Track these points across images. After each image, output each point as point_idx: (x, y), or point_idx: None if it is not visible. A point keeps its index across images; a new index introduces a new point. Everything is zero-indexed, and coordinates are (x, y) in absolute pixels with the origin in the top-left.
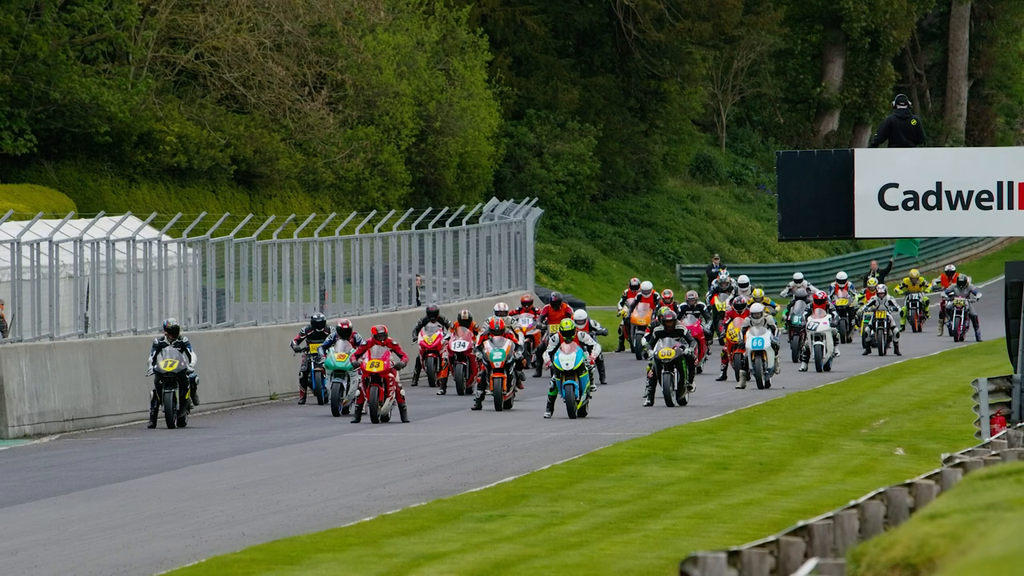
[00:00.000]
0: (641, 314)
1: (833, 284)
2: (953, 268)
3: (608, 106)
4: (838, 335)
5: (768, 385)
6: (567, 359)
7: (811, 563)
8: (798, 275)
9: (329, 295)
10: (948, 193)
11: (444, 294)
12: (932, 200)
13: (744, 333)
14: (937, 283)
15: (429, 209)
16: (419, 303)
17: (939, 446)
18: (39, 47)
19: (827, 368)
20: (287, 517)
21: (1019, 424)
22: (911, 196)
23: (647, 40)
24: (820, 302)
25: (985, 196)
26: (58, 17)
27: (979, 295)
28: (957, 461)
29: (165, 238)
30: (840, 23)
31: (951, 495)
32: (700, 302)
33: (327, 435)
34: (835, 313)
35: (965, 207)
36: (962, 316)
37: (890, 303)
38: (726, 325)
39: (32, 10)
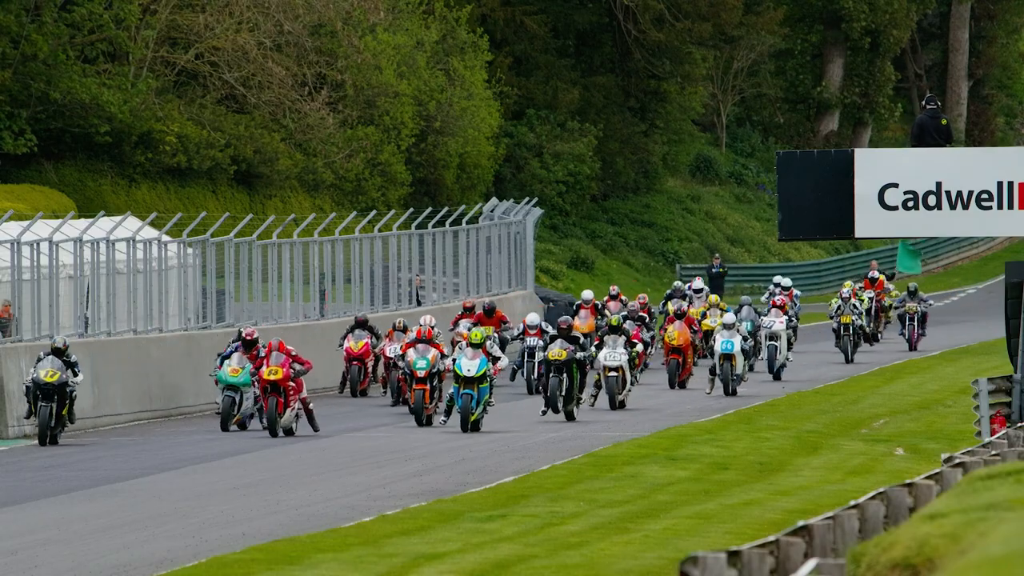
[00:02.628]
0: (583, 322)
1: (772, 288)
2: (877, 274)
3: (608, 106)
4: (793, 338)
5: (734, 392)
6: (469, 365)
7: (811, 563)
8: (786, 281)
9: (329, 295)
10: (948, 193)
11: (444, 294)
12: (932, 200)
13: (715, 336)
14: (859, 288)
15: (429, 209)
16: (419, 303)
17: (939, 446)
18: (39, 47)
19: (777, 376)
20: (287, 517)
21: (1019, 424)
22: (911, 196)
23: (647, 40)
24: (781, 306)
25: (985, 196)
26: (58, 17)
27: (931, 302)
28: (957, 461)
29: (165, 238)
30: (840, 23)
31: (951, 495)
32: (642, 313)
33: (327, 435)
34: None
35: (965, 207)
36: (915, 324)
37: (854, 307)
38: (665, 330)
39: (32, 10)
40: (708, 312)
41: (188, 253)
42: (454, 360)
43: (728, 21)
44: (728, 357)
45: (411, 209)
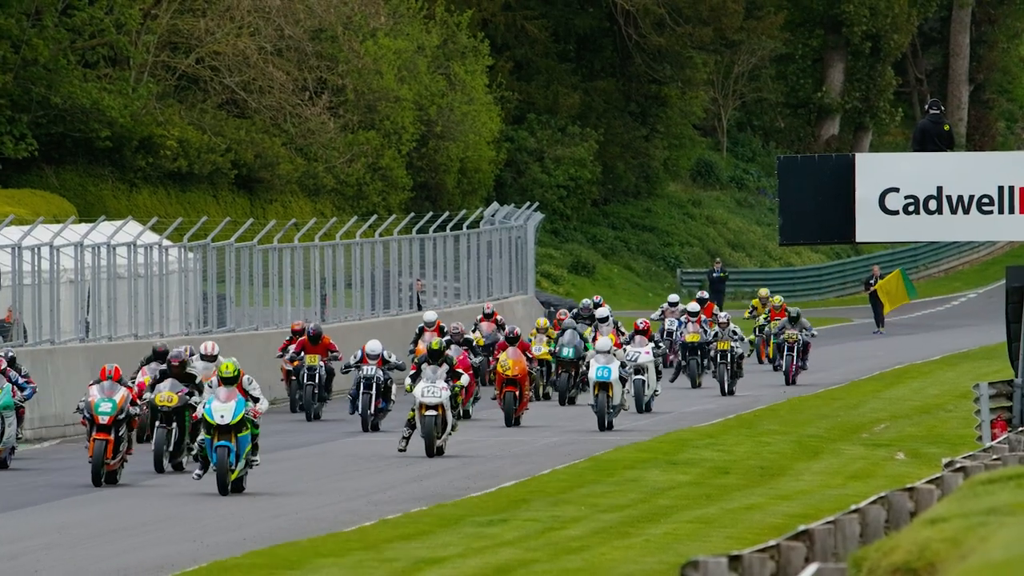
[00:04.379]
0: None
1: (663, 308)
2: (781, 300)
3: (609, 111)
4: (660, 367)
5: (610, 427)
6: (222, 410)
7: (812, 568)
8: (673, 297)
9: (330, 300)
10: (949, 198)
11: (445, 299)
12: (933, 204)
13: (588, 362)
14: (763, 315)
15: (430, 214)
16: (420, 308)
17: (940, 450)
18: (40, 51)
19: (648, 409)
20: (288, 521)
21: (1020, 428)
22: (912, 201)
23: (648, 45)
24: (642, 332)
25: (986, 200)
26: (59, 21)
27: (815, 332)
28: (958, 465)
29: (166, 243)
30: (841, 28)
31: (952, 499)
32: (468, 335)
33: (328, 440)
34: (666, 345)
35: (966, 212)
36: (795, 354)
37: (734, 333)
38: (497, 359)
39: (33, 14)
40: (534, 338)
41: (189, 258)
42: (203, 403)
43: (729, 26)
44: (604, 386)
45: (412, 214)
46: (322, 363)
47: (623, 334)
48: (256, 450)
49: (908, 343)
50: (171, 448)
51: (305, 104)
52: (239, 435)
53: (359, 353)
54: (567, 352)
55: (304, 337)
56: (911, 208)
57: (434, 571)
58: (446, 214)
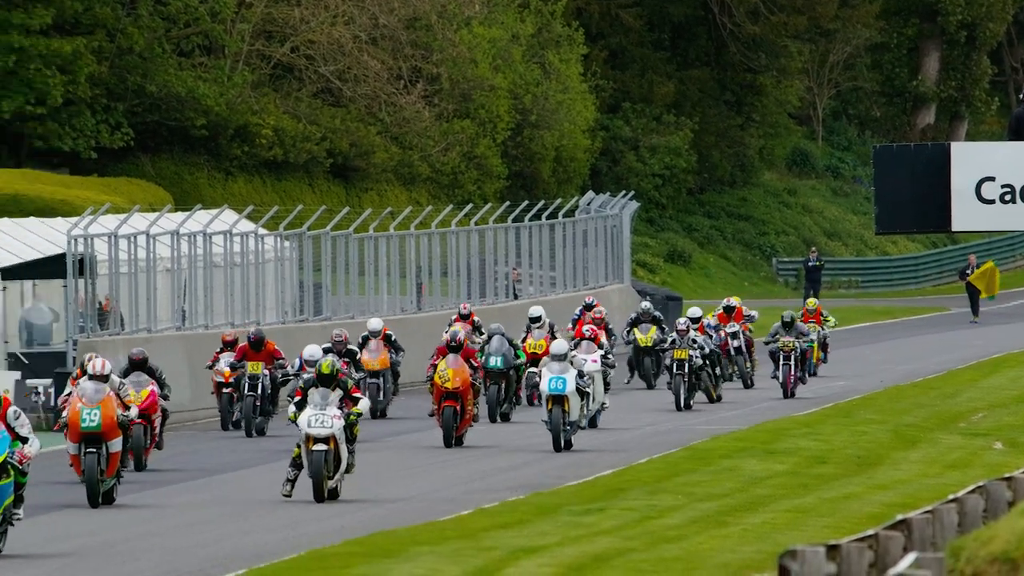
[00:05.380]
0: (373, 356)
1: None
2: (735, 303)
3: (704, 99)
4: (609, 377)
5: (568, 446)
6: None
7: (910, 557)
8: (645, 303)
9: (426, 288)
10: None
11: (541, 288)
12: None
13: (540, 371)
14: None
15: (526, 203)
16: (516, 297)
17: None
18: (135, 40)
19: (593, 424)
20: (384, 510)
21: None
22: (1008, 190)
23: (742, 33)
24: (592, 337)
25: None
26: (154, 10)
27: (812, 337)
28: None
29: (262, 231)
30: (936, 16)
31: None
32: (352, 346)
33: (421, 429)
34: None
35: None
36: (792, 364)
37: (693, 341)
38: (434, 367)
39: (128, 3)
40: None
41: (285, 246)
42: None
43: (824, 15)
44: (558, 400)
45: (507, 202)
46: (266, 371)
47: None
48: (20, 503)
49: (1005, 332)
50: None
51: (400, 93)
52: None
53: (298, 362)
54: (494, 362)
55: (245, 343)
56: (1007, 197)
57: (531, 560)
58: (542, 203)
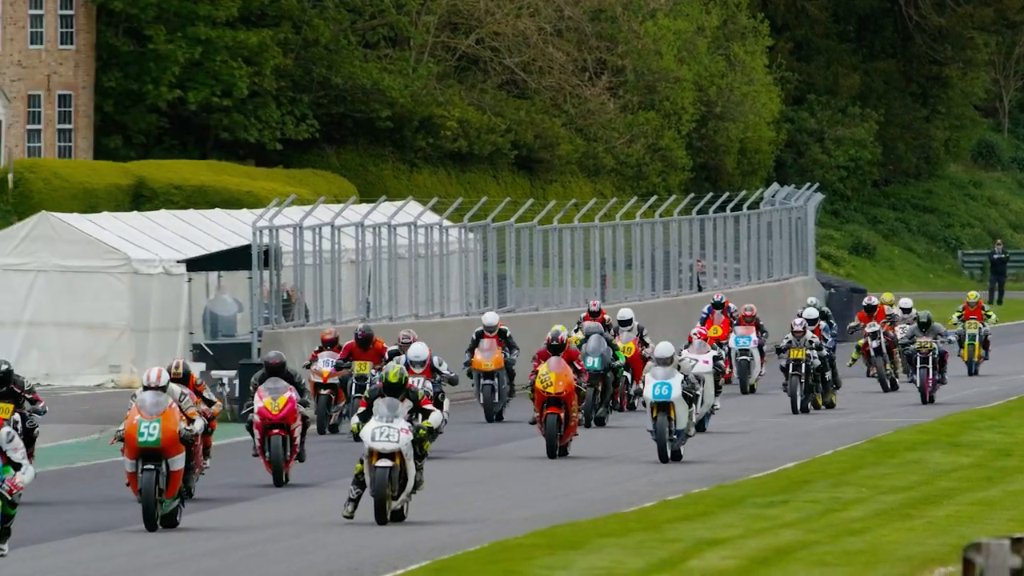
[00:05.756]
0: (486, 355)
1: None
2: (876, 301)
3: (889, 91)
4: (720, 381)
5: (677, 457)
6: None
7: None
8: (812, 299)
9: (610, 280)
10: None
11: (725, 279)
12: None
13: (645, 377)
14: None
15: (710, 194)
16: (700, 289)
17: None
18: (321, 32)
19: (701, 428)
20: (568, 502)
21: None
22: None
23: (928, 25)
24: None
25: None
26: (339, 3)
27: (952, 338)
28: None
29: (446, 223)
30: None
31: None
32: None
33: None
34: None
35: None
36: (929, 366)
37: (810, 342)
38: (535, 373)
39: None
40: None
41: (469, 238)
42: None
43: (1010, 6)
44: (663, 407)
45: (692, 194)
46: (374, 371)
47: (647, 345)
48: (5, 536)
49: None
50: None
51: (585, 84)
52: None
53: (402, 359)
54: (591, 362)
55: (351, 341)
56: None
57: (715, 552)
58: (726, 195)
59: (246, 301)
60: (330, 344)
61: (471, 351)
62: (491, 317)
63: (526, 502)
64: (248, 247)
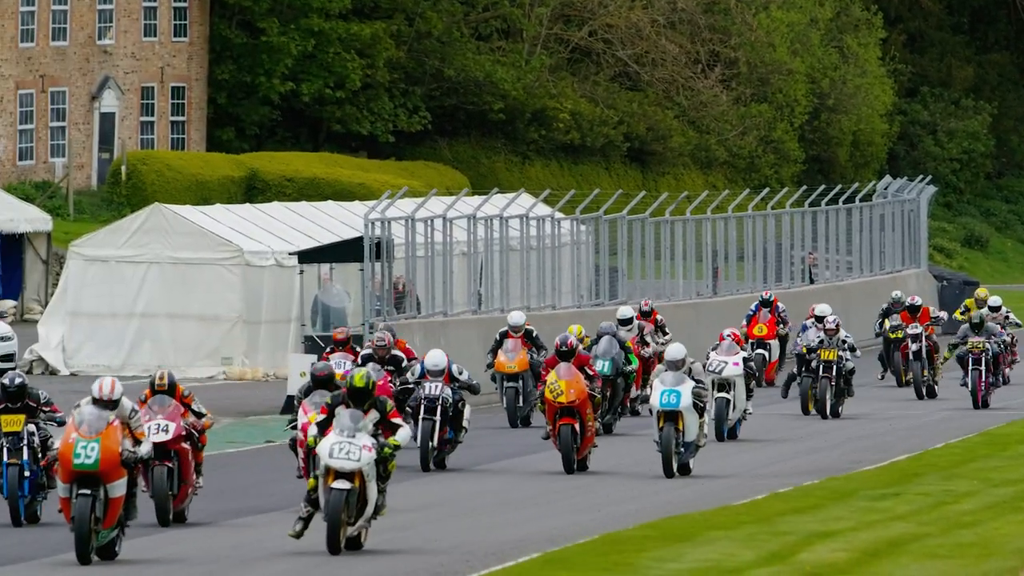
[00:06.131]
0: (510, 356)
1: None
2: (920, 301)
3: (1003, 83)
4: (754, 384)
5: (685, 471)
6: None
7: None
8: (897, 292)
9: (722, 273)
10: None
11: (837, 272)
12: None
13: (651, 382)
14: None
15: (822, 187)
16: (812, 281)
17: None
18: (433, 24)
19: (733, 435)
20: (677, 495)
21: None
22: None
23: None
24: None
25: None
26: None
27: (1007, 336)
28: None
29: (558, 215)
30: None
31: None
32: (396, 351)
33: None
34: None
35: None
36: (982, 368)
37: (843, 342)
38: (543, 382)
39: None
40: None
41: (581, 230)
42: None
43: None
44: (671, 416)
45: (804, 186)
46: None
47: (647, 344)
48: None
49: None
50: None
51: (697, 77)
52: None
53: (418, 367)
54: (601, 365)
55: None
56: None
57: (826, 545)
58: (838, 187)
59: (357, 293)
60: (342, 344)
61: (494, 352)
62: (517, 316)
63: (639, 494)
64: (360, 239)
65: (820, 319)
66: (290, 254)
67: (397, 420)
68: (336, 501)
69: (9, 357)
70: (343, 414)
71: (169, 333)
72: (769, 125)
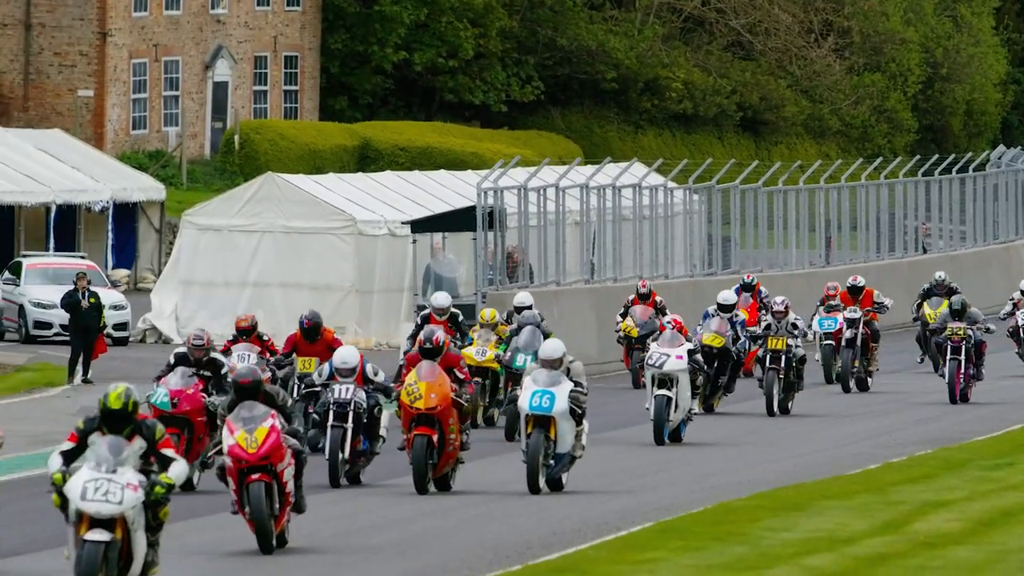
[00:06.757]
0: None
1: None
2: (863, 282)
3: None
4: (699, 381)
5: (552, 485)
6: None
7: None
8: (939, 273)
9: (835, 242)
10: None
11: (951, 242)
12: None
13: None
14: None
15: (936, 156)
16: (925, 251)
17: None
18: None
19: (675, 438)
20: (791, 464)
21: None
22: None
23: None
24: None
25: None
26: None
27: (991, 326)
28: None
29: (671, 184)
30: None
31: None
32: (216, 354)
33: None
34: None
35: None
36: (961, 358)
37: (793, 326)
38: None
39: None
40: (476, 337)
41: (694, 200)
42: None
43: None
44: (540, 422)
45: (917, 156)
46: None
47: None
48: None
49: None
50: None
51: (811, 46)
52: None
53: (325, 368)
54: (523, 361)
55: (296, 332)
56: None
57: (939, 514)
58: (952, 156)
59: (470, 262)
60: (246, 333)
61: (413, 338)
62: (441, 298)
63: (752, 462)
64: (472, 208)
65: (724, 308)
66: (403, 223)
67: (168, 451)
68: (91, 556)
69: (123, 326)
70: (99, 443)
71: (282, 302)
72: (882, 94)
